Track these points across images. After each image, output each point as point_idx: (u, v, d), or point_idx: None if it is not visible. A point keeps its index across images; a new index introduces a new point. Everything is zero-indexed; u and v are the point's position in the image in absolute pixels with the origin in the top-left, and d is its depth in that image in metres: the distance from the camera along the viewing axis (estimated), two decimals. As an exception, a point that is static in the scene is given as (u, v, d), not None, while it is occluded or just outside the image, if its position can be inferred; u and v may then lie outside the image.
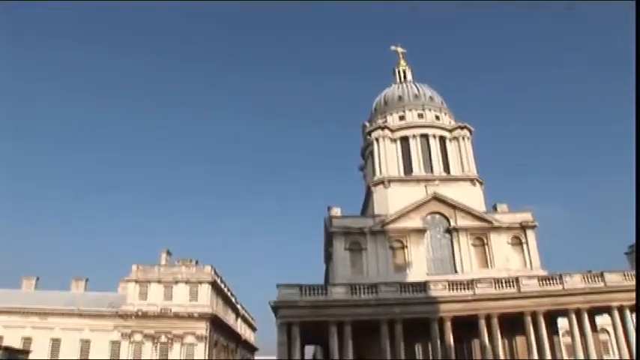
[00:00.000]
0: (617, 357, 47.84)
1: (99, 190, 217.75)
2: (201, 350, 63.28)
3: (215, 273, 68.93)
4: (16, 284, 74.98)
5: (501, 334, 45.09)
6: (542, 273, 49.98)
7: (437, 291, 44.88)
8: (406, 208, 53.38)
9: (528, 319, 44.93)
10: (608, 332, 57.88)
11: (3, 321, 63.99)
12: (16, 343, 49.44)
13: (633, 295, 45.00)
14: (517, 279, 46.28)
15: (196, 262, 68.64)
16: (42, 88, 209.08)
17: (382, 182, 57.25)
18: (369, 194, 60.51)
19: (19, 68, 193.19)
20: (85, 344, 64.93)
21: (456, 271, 51.42)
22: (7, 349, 32.73)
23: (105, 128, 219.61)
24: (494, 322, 44.52)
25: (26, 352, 37.05)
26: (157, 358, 63.49)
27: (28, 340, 60.89)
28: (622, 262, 76.80)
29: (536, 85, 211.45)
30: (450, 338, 43.84)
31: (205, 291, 65.96)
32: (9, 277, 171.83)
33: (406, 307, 43.87)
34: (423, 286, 45.21)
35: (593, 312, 47.33)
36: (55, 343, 64.49)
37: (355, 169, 74.04)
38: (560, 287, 45.81)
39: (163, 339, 63.68)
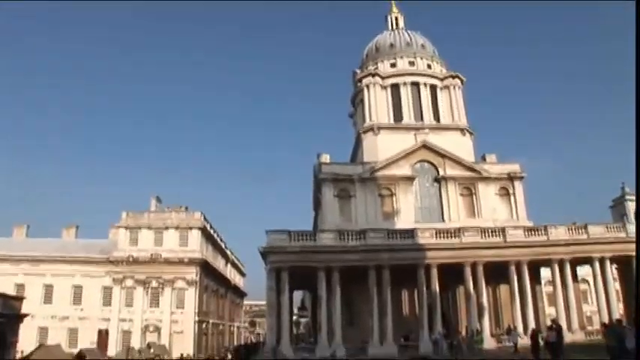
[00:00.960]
0: (595, 306, 49.33)
1: (88, 139, 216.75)
2: (191, 295, 64.20)
3: (205, 219, 69.23)
4: (7, 233, 75.29)
5: (486, 282, 46.21)
6: (528, 224, 50.74)
7: (424, 238, 45.52)
8: (395, 155, 53.35)
9: (512, 268, 46.05)
10: (588, 282, 59.38)
11: (-4, 268, 64.73)
12: (10, 290, 49.87)
13: (615, 247, 46.36)
14: (503, 229, 47.06)
15: (186, 209, 68.96)
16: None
17: (372, 129, 57.07)
18: (358, 141, 60.37)
19: None
20: (78, 290, 65.82)
21: (443, 220, 51.96)
22: (1, 295, 32.96)
23: (95, 74, 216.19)
24: (480, 270, 45.50)
25: (20, 298, 37.42)
26: (149, 302, 64.62)
27: (21, 287, 61.35)
28: (607, 216, 78.49)
29: (530, 39, 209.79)
30: (436, 285, 44.80)
31: (195, 237, 66.40)
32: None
33: (394, 254, 44.54)
34: (410, 233, 45.82)
35: (576, 263, 48.60)
36: (48, 289, 65.43)
37: (345, 117, 73.77)
38: (544, 238, 46.71)
39: (154, 284, 64.47)
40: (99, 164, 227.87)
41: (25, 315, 36.03)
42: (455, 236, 46.18)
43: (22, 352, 38.35)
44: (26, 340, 42.52)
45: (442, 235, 46.25)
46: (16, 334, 34.10)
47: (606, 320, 41.21)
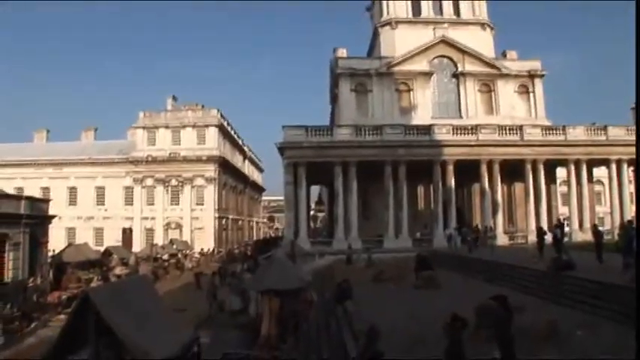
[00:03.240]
0: (608, 207, 49.57)
1: (103, 41, 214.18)
2: (210, 191, 65.59)
3: (221, 116, 69.39)
4: (28, 138, 76.66)
5: (501, 179, 46.48)
6: (546, 123, 50.06)
7: (441, 135, 45.32)
8: (413, 50, 51.86)
9: (529, 166, 46.00)
10: (602, 184, 59.40)
11: (21, 173, 66.78)
12: (36, 193, 51.51)
13: (632, 149, 45.47)
14: (521, 127, 46.55)
15: (202, 107, 68.94)
16: None
17: (389, 23, 55.01)
18: (375, 36, 58.48)
19: None
20: (100, 190, 67.86)
21: (460, 116, 51.34)
22: (28, 198, 33.86)
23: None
24: (495, 167, 45.61)
25: (46, 200, 38.40)
26: (169, 200, 66.23)
27: (46, 190, 63.36)
28: (628, 118, 77.08)
29: None
30: (452, 181, 45.17)
31: (212, 134, 66.88)
32: (20, 132, 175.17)
33: (410, 150, 44.60)
34: (427, 129, 45.57)
35: (592, 164, 48.27)
36: (72, 191, 67.82)
37: (362, 11, 71.23)
38: (562, 138, 46.17)
39: (174, 182, 65.79)
40: (112, 68, 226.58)
41: (53, 216, 36.96)
42: (472, 133, 45.83)
43: (53, 250, 39.80)
44: (56, 240, 44.16)
45: (459, 131, 45.87)
46: (46, 235, 35.17)
47: (618, 221, 41.39)
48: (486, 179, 45.59)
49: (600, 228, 32.07)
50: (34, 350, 15.61)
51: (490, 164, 45.61)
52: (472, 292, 15.28)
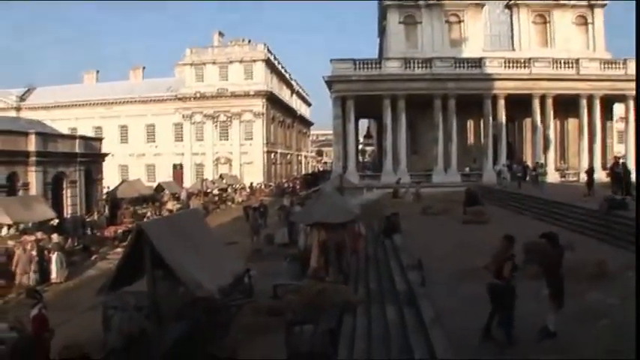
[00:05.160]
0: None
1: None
2: (259, 126, 66.35)
3: (268, 51, 69.22)
4: (78, 79, 78.38)
5: (554, 115, 45.08)
6: (606, 56, 47.76)
7: (492, 68, 44.02)
8: (464, -21, 49.51)
9: (584, 102, 44.17)
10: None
11: (74, 114, 68.80)
12: (89, 133, 53.04)
13: (701, 87, 43.33)
14: (577, 60, 44.47)
15: (249, 41, 68.76)
16: None
17: (440, -49, 52.60)
18: (425, -34, 56.17)
19: None
20: (150, 128, 69.70)
21: (513, 49, 49.35)
22: (82, 137, 34.99)
23: None
24: (549, 102, 44.21)
25: (99, 139, 39.62)
26: (218, 135, 67.34)
27: (98, 129, 65.14)
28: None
29: None
30: (503, 116, 44.25)
31: (259, 69, 67.06)
32: (70, 74, 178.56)
33: (460, 83, 43.62)
34: (478, 62, 44.29)
35: (654, 101, 46.21)
36: (123, 130, 70.00)
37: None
38: (622, 72, 43.76)
39: (222, 118, 66.77)
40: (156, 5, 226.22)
41: (106, 154, 38.12)
42: (525, 66, 44.34)
43: (107, 187, 41.35)
44: (109, 177, 45.61)
45: (511, 64, 44.46)
46: (100, 172, 36.47)
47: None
48: (538, 114, 44.46)
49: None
50: (95, 281, 16.39)
51: (543, 99, 44.27)
52: (521, 229, 15.29)
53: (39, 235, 22.83)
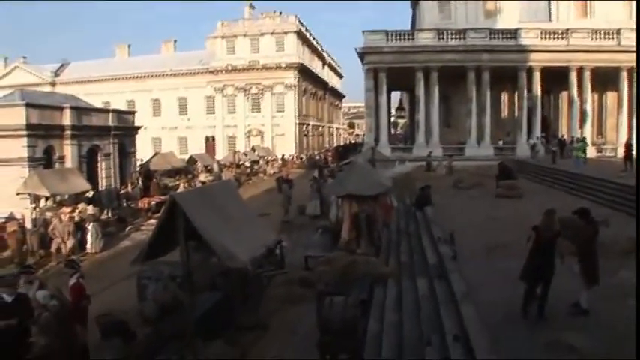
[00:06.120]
0: None
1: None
2: (291, 98, 66.37)
3: (299, 22, 68.85)
4: (110, 54, 79.17)
5: (592, 88, 43.79)
6: (648, 25, 46.16)
7: (528, 39, 42.87)
8: (501, -52, 48.06)
9: (624, 74, 42.48)
10: None
11: (106, 88, 69.63)
12: (122, 106, 53.88)
13: None
14: (618, 31, 42.62)
15: (280, 14, 68.33)
16: None
17: None
18: None
19: None
20: (182, 101, 70.29)
21: (550, 20, 47.83)
22: (115, 111, 35.47)
23: None
24: (586, 75, 42.91)
25: (132, 112, 40.13)
26: (250, 108, 67.61)
27: (131, 103, 66.29)
28: None
29: None
30: (538, 88, 43.33)
31: (291, 41, 66.78)
32: (102, 49, 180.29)
33: (494, 55, 42.67)
34: (513, 33, 43.11)
35: (701, 73, 44.65)
36: (156, 103, 70.76)
37: None
38: (667, 43, 42.61)
39: (254, 90, 66.88)
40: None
41: (139, 127, 38.52)
42: (562, 38, 42.95)
43: (140, 160, 41.97)
44: (143, 149, 45.97)
45: (548, 36, 43.10)
46: (134, 145, 36.95)
47: None
48: (575, 87, 43.24)
49: None
50: (129, 252, 16.70)
51: (580, 71, 43.03)
52: (554, 203, 15.29)
53: (79, 206, 23.48)
